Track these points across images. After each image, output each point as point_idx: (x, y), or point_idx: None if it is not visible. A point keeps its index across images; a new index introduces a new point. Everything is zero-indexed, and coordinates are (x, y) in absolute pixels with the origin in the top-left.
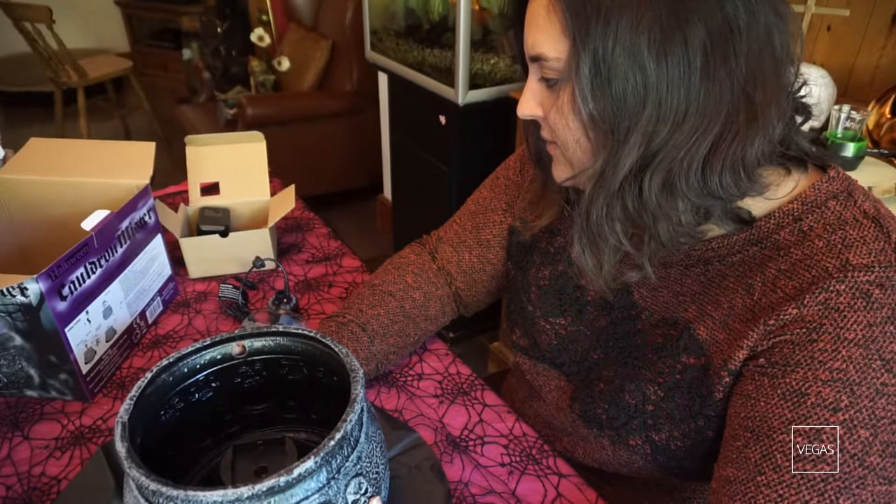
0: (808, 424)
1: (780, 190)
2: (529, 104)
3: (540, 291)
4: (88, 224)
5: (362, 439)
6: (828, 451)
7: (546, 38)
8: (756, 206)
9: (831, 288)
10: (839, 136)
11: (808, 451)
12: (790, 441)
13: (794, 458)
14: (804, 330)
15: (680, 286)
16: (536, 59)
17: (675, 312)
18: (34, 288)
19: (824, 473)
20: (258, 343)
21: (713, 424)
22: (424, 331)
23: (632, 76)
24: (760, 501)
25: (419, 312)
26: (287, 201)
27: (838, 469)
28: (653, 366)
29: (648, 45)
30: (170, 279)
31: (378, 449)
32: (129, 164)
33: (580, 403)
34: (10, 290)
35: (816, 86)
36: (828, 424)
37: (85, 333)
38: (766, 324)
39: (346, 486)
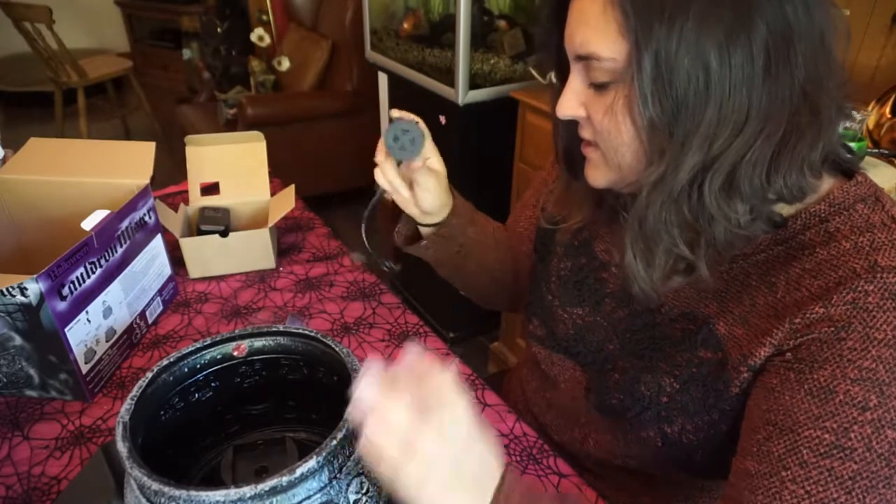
0: (835, 422)
1: (810, 193)
2: (571, 104)
3: (560, 282)
4: (88, 224)
5: None
6: (856, 449)
7: (600, 37)
8: (785, 207)
9: (859, 288)
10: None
11: (837, 447)
12: (817, 437)
13: (821, 454)
14: (832, 328)
15: (703, 283)
16: (585, 58)
17: (695, 308)
18: (34, 288)
19: (852, 471)
20: (258, 343)
21: (727, 419)
22: (503, 258)
23: (694, 78)
24: (786, 496)
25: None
26: (287, 201)
27: (867, 468)
28: (670, 358)
29: (712, 45)
30: (170, 279)
31: None
32: (129, 164)
33: (595, 393)
34: (10, 290)
35: None
36: (856, 423)
37: (85, 333)
38: (791, 322)
39: (348, 485)
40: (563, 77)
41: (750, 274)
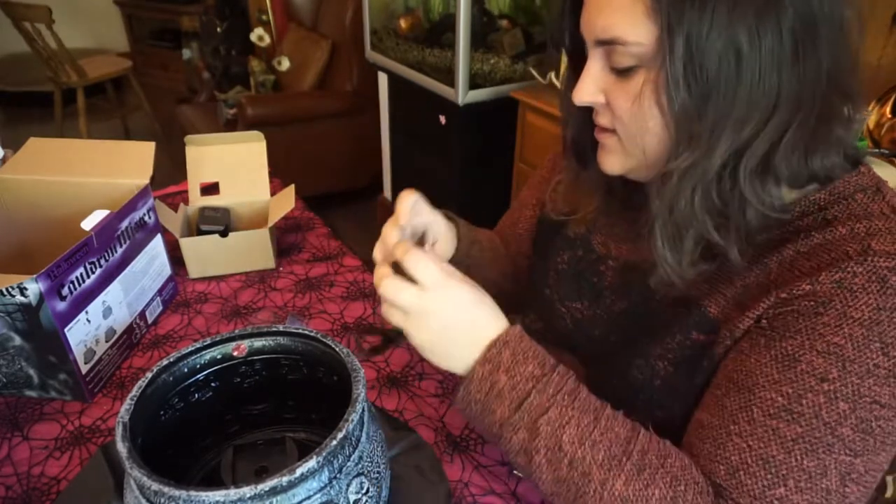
0: (791, 387)
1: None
2: (589, 90)
3: (558, 276)
4: (88, 224)
5: (363, 439)
6: (804, 414)
7: (626, 20)
8: (787, 194)
9: (849, 269)
10: None
11: (786, 410)
12: (770, 398)
13: (770, 414)
14: (812, 303)
15: (731, 267)
16: (608, 43)
17: (688, 292)
18: (33, 288)
19: (795, 434)
20: (258, 343)
21: None
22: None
23: (726, 61)
24: (729, 448)
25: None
26: (287, 201)
27: (810, 433)
28: (662, 342)
29: (743, 28)
30: (169, 279)
31: (379, 449)
32: (129, 164)
33: (592, 384)
34: (10, 290)
35: None
36: (811, 391)
37: (84, 333)
38: (777, 296)
39: (348, 485)
40: (576, 63)
41: (745, 258)
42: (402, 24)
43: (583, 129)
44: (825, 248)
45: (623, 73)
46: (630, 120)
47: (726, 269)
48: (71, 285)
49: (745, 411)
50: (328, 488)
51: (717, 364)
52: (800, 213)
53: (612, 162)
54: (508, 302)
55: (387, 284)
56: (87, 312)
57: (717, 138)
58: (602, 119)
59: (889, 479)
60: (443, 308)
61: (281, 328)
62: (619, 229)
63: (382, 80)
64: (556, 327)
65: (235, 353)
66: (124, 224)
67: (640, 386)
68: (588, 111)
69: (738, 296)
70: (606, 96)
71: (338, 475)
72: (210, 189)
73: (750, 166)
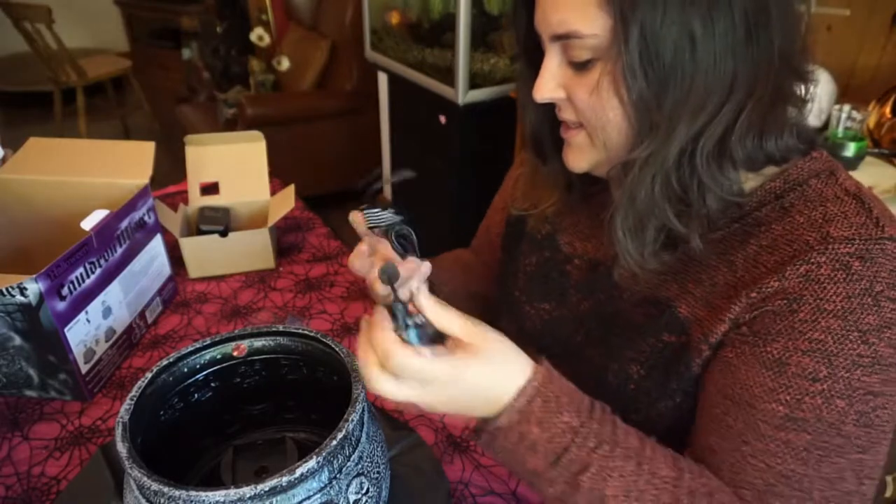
0: (788, 394)
1: (767, 169)
2: (549, 86)
3: (526, 277)
4: (88, 224)
5: (363, 439)
6: (808, 420)
7: (579, 14)
8: (744, 180)
9: (812, 260)
10: (840, 135)
11: (790, 419)
12: (771, 410)
13: (776, 426)
14: (785, 301)
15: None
16: (564, 37)
17: (656, 291)
18: (33, 288)
19: (806, 442)
20: (258, 343)
21: (689, 402)
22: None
23: (681, 49)
24: (749, 471)
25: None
26: (287, 201)
27: (819, 438)
28: (634, 345)
29: (696, 14)
30: (169, 279)
31: (379, 449)
32: (129, 163)
33: None
34: (10, 290)
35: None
36: (807, 394)
37: (84, 333)
38: (748, 296)
39: (348, 485)
40: (532, 59)
41: (709, 254)
42: (393, 19)
43: (541, 125)
44: (786, 238)
45: (581, 66)
46: (592, 112)
47: (695, 269)
48: (71, 285)
49: (751, 429)
50: (328, 488)
51: (697, 373)
52: (757, 202)
53: (579, 159)
54: (491, 309)
55: (377, 388)
56: (86, 312)
57: (675, 125)
58: (566, 114)
59: (889, 478)
60: (447, 396)
61: (281, 328)
62: (583, 226)
63: (382, 79)
64: (526, 328)
65: (235, 353)
66: (124, 224)
67: (614, 391)
68: (545, 106)
69: (707, 295)
70: (567, 91)
71: (338, 475)
72: (210, 189)
73: (707, 150)
